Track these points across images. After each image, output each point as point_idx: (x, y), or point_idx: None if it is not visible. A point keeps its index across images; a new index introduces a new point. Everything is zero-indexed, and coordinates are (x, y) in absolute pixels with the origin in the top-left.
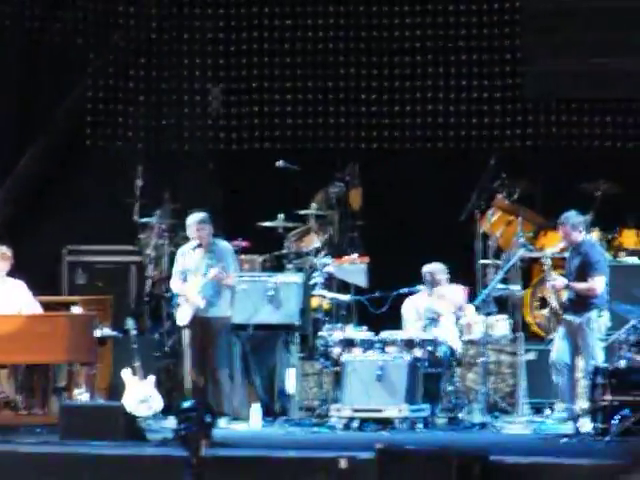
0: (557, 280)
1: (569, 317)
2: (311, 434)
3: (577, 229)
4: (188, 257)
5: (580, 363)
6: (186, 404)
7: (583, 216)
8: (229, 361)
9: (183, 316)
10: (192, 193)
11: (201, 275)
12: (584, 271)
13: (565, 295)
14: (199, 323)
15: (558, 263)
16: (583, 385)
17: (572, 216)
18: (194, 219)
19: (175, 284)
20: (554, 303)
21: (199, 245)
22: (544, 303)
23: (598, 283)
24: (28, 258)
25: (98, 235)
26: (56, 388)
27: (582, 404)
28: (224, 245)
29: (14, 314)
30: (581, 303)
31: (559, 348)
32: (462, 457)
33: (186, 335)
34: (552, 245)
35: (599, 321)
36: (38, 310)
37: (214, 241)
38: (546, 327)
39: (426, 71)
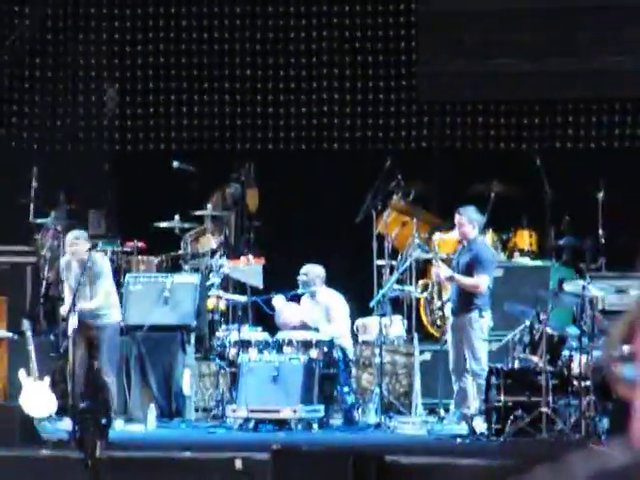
0: (442, 268)
1: (452, 318)
2: (207, 435)
3: (472, 224)
4: (69, 269)
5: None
6: (82, 406)
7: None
8: (123, 363)
9: (70, 323)
10: (88, 194)
11: (83, 290)
12: (471, 268)
13: (447, 292)
14: (84, 329)
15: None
16: (471, 385)
17: (470, 210)
18: (68, 236)
19: (66, 291)
20: (434, 290)
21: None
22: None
23: (483, 281)
24: None
25: None
26: None
27: (474, 404)
28: (99, 260)
29: None
30: (463, 303)
31: (454, 357)
32: (358, 457)
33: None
34: (448, 244)
35: (480, 321)
36: None
37: (90, 257)
38: (435, 321)
39: (321, 72)
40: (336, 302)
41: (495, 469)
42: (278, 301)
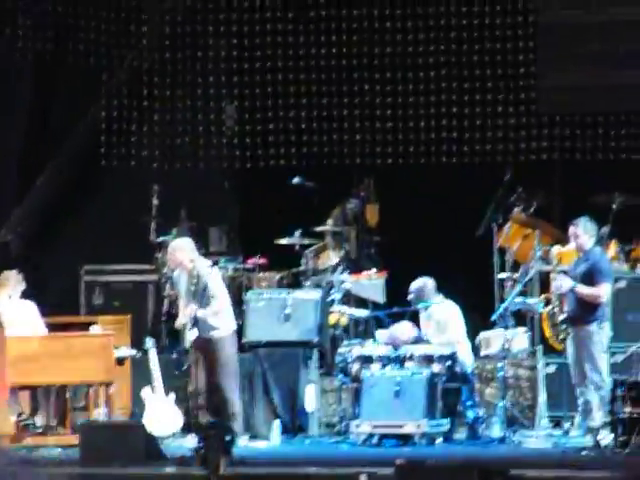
0: (564, 280)
1: (571, 331)
2: (331, 450)
3: (588, 234)
4: (179, 281)
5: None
6: (205, 423)
7: (600, 227)
8: (246, 380)
9: (186, 338)
10: (208, 211)
11: (187, 301)
12: (591, 278)
13: (566, 307)
14: (199, 344)
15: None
16: (594, 397)
17: (585, 220)
18: (169, 247)
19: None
20: (556, 304)
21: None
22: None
23: (605, 290)
24: (45, 278)
25: (115, 255)
26: (75, 408)
27: (599, 416)
28: (204, 269)
29: (32, 335)
30: (582, 314)
31: (576, 369)
32: (483, 471)
33: (191, 356)
34: (568, 256)
35: (600, 333)
36: (42, 332)
37: (194, 266)
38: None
39: (440, 86)
40: (448, 313)
41: None
42: (382, 335)
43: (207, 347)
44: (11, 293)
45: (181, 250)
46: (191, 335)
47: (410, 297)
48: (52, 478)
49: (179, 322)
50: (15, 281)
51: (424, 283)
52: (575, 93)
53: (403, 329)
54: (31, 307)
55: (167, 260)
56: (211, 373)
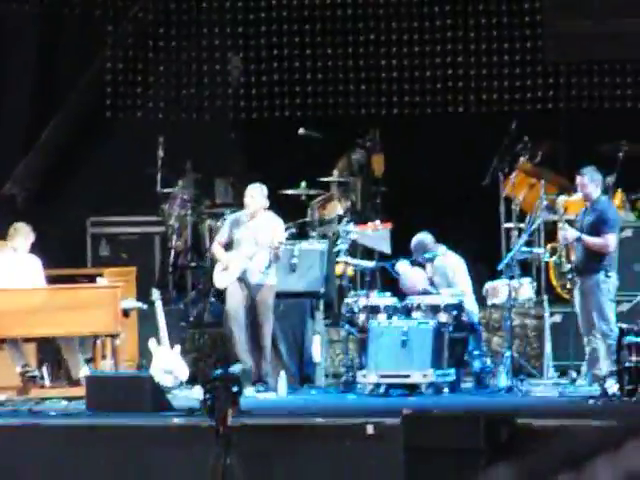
0: (569, 230)
1: (578, 280)
2: (337, 401)
3: (595, 183)
4: (241, 226)
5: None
6: (213, 373)
7: (606, 176)
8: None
9: (223, 280)
10: (214, 162)
11: (251, 245)
12: (598, 228)
13: (573, 256)
14: (249, 289)
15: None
16: (601, 346)
17: (591, 170)
18: (248, 191)
19: (217, 249)
20: (562, 253)
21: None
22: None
23: (611, 240)
24: (51, 231)
25: (121, 206)
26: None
27: (606, 365)
28: (272, 216)
29: (38, 287)
30: (589, 264)
31: (583, 318)
32: (489, 420)
33: (231, 298)
34: (574, 206)
35: (607, 282)
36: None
37: (264, 212)
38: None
39: (446, 35)
40: (453, 264)
41: (629, 430)
42: (402, 266)
43: (258, 293)
44: (17, 246)
45: (262, 195)
46: (224, 278)
47: (412, 251)
48: (59, 430)
49: (221, 267)
50: (25, 233)
51: (423, 237)
52: (581, 41)
53: (419, 278)
54: (35, 261)
55: (173, 213)
56: (255, 320)
